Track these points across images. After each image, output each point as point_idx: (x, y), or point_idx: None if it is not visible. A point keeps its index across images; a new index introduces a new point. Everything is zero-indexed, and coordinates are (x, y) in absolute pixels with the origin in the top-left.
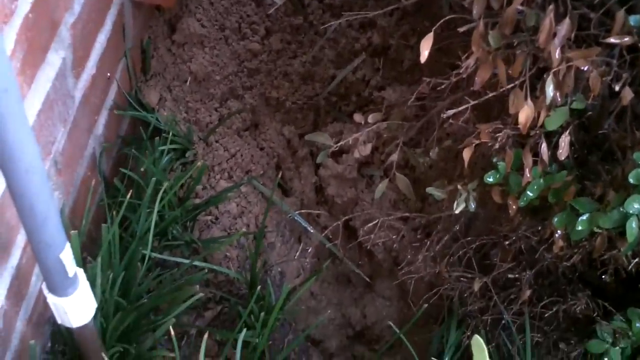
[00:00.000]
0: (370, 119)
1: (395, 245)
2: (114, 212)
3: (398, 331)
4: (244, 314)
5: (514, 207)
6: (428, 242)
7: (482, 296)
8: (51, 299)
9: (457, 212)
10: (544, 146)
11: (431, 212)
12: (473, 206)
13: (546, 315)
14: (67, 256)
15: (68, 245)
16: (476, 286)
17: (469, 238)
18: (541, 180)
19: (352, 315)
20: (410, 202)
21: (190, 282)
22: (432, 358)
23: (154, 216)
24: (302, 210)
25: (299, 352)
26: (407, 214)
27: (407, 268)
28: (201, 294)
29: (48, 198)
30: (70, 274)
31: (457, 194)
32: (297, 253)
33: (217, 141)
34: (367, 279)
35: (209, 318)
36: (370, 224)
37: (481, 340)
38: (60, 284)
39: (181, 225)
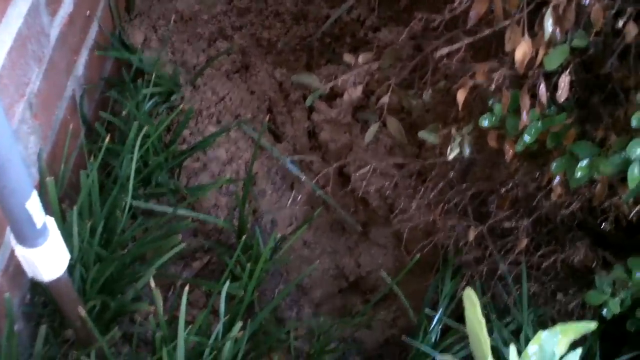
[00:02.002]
0: (361, 59)
1: (389, 193)
2: (94, 158)
3: (390, 281)
4: (230, 264)
5: (510, 152)
6: (422, 189)
7: (477, 245)
8: (19, 250)
9: (450, 158)
10: (542, 87)
11: (427, 158)
12: (468, 151)
13: (544, 265)
14: (33, 204)
15: (34, 193)
16: (471, 235)
17: (465, 185)
18: (539, 123)
19: (345, 265)
20: (407, 148)
21: (174, 230)
22: (426, 309)
23: (134, 161)
24: (295, 156)
25: (290, 303)
26: (401, 160)
27: (401, 216)
28: (183, 244)
29: (8, 140)
30: (39, 224)
31: (451, 138)
32: (289, 201)
33: (205, 84)
34: (361, 228)
35: (196, 268)
36: (364, 170)
37: (473, 294)
38: (28, 234)
39: (167, 172)
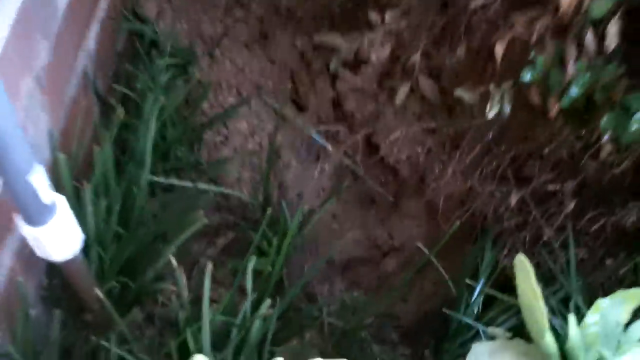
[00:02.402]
0: (387, 17)
1: (421, 160)
2: (109, 133)
3: (427, 252)
4: (256, 238)
5: (555, 108)
6: (457, 155)
7: (519, 211)
8: (26, 230)
9: (489, 117)
10: (589, 36)
11: (459, 121)
12: (508, 109)
13: (592, 229)
14: (38, 179)
15: (40, 167)
16: (513, 200)
17: (503, 147)
18: (587, 75)
19: (378, 237)
20: (436, 113)
21: (196, 205)
22: (467, 280)
23: (151, 135)
24: (320, 127)
25: (321, 279)
26: (432, 125)
27: (434, 184)
28: (205, 220)
29: (6, 111)
30: (46, 200)
31: (490, 96)
32: (316, 173)
33: (223, 54)
34: (392, 198)
35: (221, 245)
36: (393, 138)
37: (526, 261)
38: (34, 211)
39: (186, 147)
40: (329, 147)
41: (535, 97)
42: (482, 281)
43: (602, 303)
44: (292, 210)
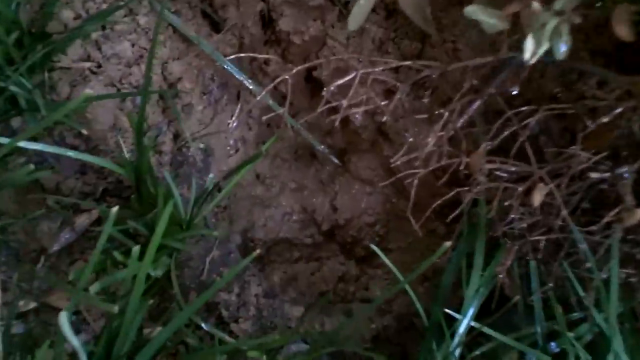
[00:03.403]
0: None
1: (380, 107)
2: None
3: (380, 252)
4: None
5: None
6: (445, 117)
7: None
8: None
9: (530, 59)
10: None
11: (432, 57)
12: (563, 49)
13: None
14: None
15: None
16: (538, 196)
17: (527, 108)
18: None
19: (317, 209)
20: (404, 44)
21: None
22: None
23: None
24: (241, 54)
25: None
26: (408, 63)
27: (399, 139)
28: None
29: None
30: None
31: (531, 19)
32: (232, 119)
33: None
34: (336, 160)
35: (81, 227)
36: (343, 75)
37: None
38: None
39: (27, 75)
40: (250, 85)
41: (622, 27)
42: (470, 310)
43: None
44: (192, 173)
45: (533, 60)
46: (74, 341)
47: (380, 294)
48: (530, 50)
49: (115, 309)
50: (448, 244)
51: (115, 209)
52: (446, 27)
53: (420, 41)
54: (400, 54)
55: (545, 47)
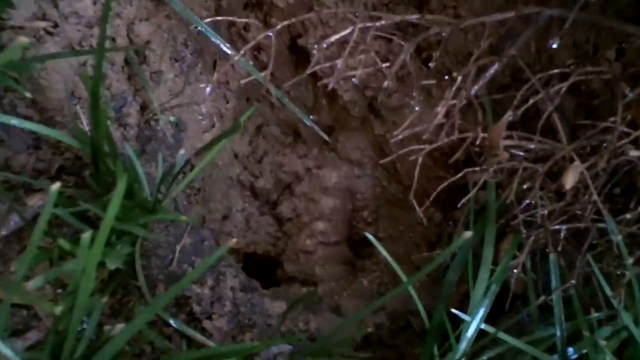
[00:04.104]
0: None
1: (371, 79)
2: None
3: (375, 241)
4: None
5: None
6: (448, 78)
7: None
8: None
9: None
10: None
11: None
12: None
13: None
14: None
15: None
16: (570, 178)
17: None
18: None
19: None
20: (399, 10)
21: None
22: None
23: None
24: (218, 18)
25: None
26: (410, 16)
27: (391, 116)
28: None
29: None
30: None
31: None
32: (208, 89)
33: None
34: (325, 136)
35: (34, 210)
36: (332, 41)
37: None
38: None
39: None
40: (229, 50)
41: None
42: (480, 312)
43: None
44: (160, 149)
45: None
46: (5, 351)
47: (368, 287)
48: None
49: (58, 310)
50: (469, 233)
51: (55, 186)
52: None
53: (417, 6)
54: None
55: None
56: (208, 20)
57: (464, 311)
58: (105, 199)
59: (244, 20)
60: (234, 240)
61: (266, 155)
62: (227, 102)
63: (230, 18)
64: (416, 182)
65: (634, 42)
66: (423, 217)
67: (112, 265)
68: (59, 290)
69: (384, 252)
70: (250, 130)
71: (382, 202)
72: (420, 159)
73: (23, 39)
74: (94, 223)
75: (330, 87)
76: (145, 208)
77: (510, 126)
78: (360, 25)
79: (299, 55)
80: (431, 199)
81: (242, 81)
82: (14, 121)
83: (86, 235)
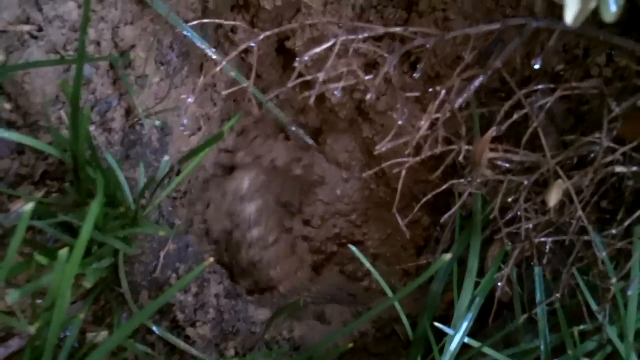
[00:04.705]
0: None
1: (360, 82)
2: None
3: (363, 258)
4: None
5: None
6: (442, 91)
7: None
8: None
9: (575, 21)
10: None
11: (422, 24)
12: (614, 8)
13: None
14: None
15: None
16: (553, 195)
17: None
18: None
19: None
20: (387, 12)
21: None
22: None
23: None
24: (204, 20)
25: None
26: (393, 28)
27: (380, 119)
28: None
29: None
30: None
31: None
32: (194, 92)
33: None
34: (311, 141)
35: (16, 216)
36: (321, 46)
37: None
38: None
39: None
40: (214, 54)
41: None
42: (464, 324)
43: None
44: (144, 153)
45: (577, 24)
46: None
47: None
48: (574, 10)
49: (31, 329)
50: (448, 256)
51: (30, 205)
52: None
53: (405, 9)
54: (383, 23)
55: (594, 4)
56: (194, 22)
57: (450, 319)
58: (87, 208)
59: (231, 22)
60: (211, 259)
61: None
62: (214, 104)
63: (217, 20)
64: (404, 186)
65: (622, 53)
66: (406, 230)
67: (90, 282)
68: (38, 301)
69: (369, 267)
70: (236, 131)
71: (370, 204)
72: (403, 172)
73: None
74: (75, 231)
75: (312, 100)
76: (127, 217)
77: (497, 136)
78: (342, 38)
79: (286, 57)
80: (417, 207)
81: (224, 92)
82: None
83: (63, 252)
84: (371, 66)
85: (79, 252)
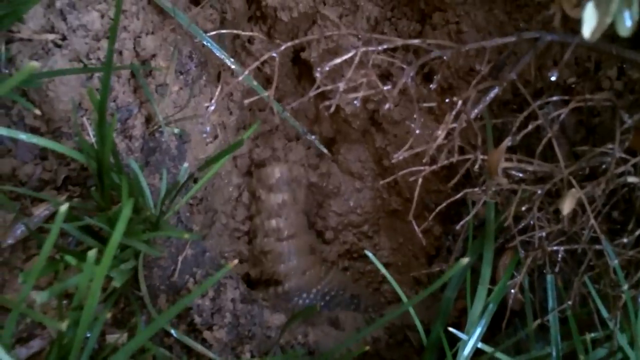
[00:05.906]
0: None
1: (374, 92)
2: None
3: (376, 260)
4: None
5: None
6: (459, 102)
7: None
8: None
9: (593, 35)
10: None
11: (436, 35)
12: (629, 23)
13: None
14: None
15: None
16: (567, 204)
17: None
18: None
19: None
20: (401, 24)
21: None
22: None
23: None
24: (222, 31)
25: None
26: (412, 41)
27: (392, 129)
28: None
29: None
30: None
31: None
32: (211, 102)
33: None
34: (325, 150)
35: (39, 219)
36: (339, 57)
37: None
38: None
39: None
40: (233, 64)
41: None
42: (477, 331)
43: None
44: (164, 159)
45: (594, 38)
46: None
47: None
48: (591, 25)
49: (64, 326)
50: (465, 260)
51: (64, 207)
52: (449, 6)
53: (419, 21)
54: (397, 35)
55: (610, 19)
56: (213, 33)
57: (462, 326)
58: (110, 212)
59: (248, 33)
60: (235, 261)
61: None
62: (231, 113)
63: (235, 31)
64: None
65: (634, 66)
66: (422, 237)
67: (118, 282)
68: (64, 302)
69: (385, 272)
70: (252, 139)
71: (382, 214)
72: (420, 181)
73: (34, 64)
74: (97, 234)
75: (332, 109)
76: (149, 222)
77: (510, 147)
78: (363, 50)
79: (301, 68)
80: (431, 217)
81: (246, 101)
82: (23, 136)
83: (92, 253)
84: (385, 77)
85: (110, 253)
